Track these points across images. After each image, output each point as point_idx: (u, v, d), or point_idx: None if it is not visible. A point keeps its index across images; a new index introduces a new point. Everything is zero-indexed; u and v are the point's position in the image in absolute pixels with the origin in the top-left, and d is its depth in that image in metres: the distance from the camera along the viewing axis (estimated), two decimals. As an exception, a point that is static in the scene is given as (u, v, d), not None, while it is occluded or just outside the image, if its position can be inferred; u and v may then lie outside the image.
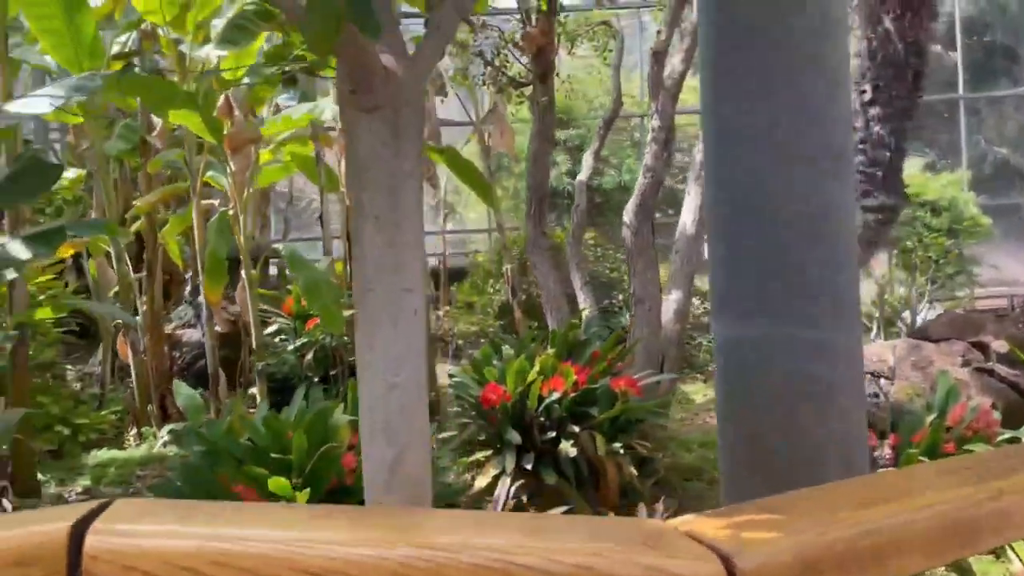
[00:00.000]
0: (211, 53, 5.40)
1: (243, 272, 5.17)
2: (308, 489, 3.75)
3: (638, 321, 5.95)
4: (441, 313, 9.19)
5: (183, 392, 4.95)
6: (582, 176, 6.85)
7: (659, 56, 5.88)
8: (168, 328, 8.45)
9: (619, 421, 4.83)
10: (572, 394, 4.77)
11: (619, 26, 7.07)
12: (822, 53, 2.22)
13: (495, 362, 5.00)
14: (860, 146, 5.09)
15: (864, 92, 4.85)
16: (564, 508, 4.45)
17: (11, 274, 3.43)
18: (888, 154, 4.91)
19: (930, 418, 4.02)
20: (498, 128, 7.83)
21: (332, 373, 5.98)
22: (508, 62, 6.27)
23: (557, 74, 5.98)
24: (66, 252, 6.44)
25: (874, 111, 4.85)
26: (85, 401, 6.70)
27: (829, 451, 2.09)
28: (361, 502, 3.97)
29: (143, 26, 6.26)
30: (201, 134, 4.87)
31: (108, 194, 6.01)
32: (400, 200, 1.83)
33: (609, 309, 8.63)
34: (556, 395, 4.70)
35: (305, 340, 5.91)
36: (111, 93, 4.50)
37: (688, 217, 6.49)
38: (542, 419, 4.73)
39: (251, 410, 5.30)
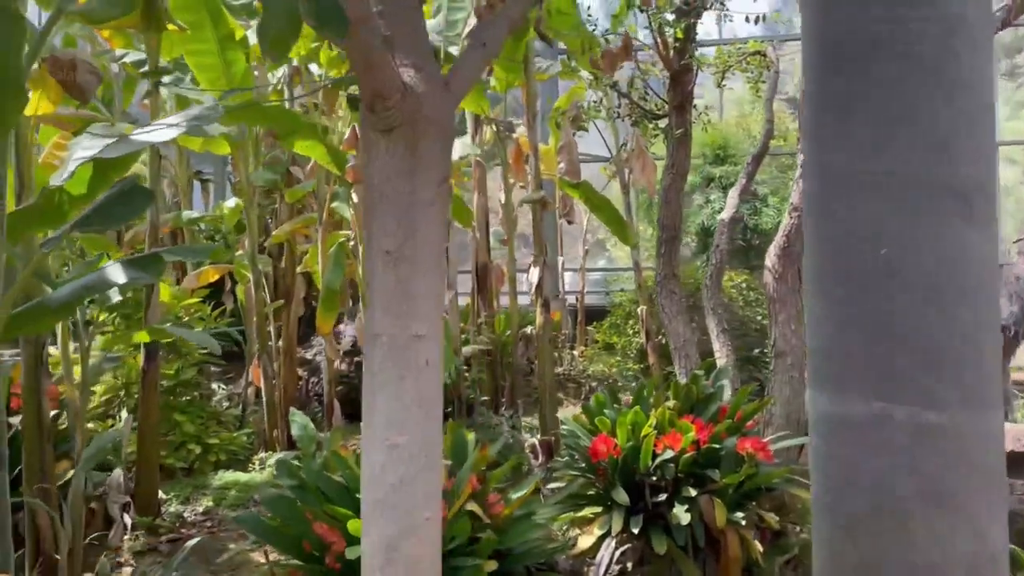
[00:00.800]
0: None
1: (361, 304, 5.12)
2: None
3: (777, 376, 5.38)
4: (576, 353, 8.88)
5: (297, 420, 4.93)
6: (724, 215, 6.37)
7: (813, 86, 5.35)
8: (310, 355, 8.67)
9: (744, 488, 4.32)
10: (690, 453, 4.32)
11: (774, 56, 6.57)
12: (959, 71, 1.79)
13: (607, 411, 4.63)
14: None
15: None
16: None
17: (115, 295, 3.49)
18: None
19: None
20: (639, 162, 7.50)
21: (448, 410, 5.81)
22: (646, 94, 5.95)
23: (695, 106, 5.58)
24: (211, 277, 6.71)
25: None
26: (225, 422, 6.92)
27: (953, 579, 1.63)
28: (447, 555, 3.73)
29: (293, 62, 6.47)
30: (325, 165, 4.89)
31: (251, 223, 6.20)
32: (416, 232, 1.58)
33: (754, 360, 7.99)
34: (671, 453, 4.27)
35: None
36: (232, 122, 4.58)
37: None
38: (654, 478, 4.31)
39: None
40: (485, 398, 6.26)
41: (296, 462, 4.08)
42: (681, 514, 4.10)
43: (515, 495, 4.30)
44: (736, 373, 5.85)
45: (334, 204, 5.38)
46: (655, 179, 7.60)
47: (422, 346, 1.57)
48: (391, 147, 1.58)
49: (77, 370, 4.46)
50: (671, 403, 4.62)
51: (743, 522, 4.17)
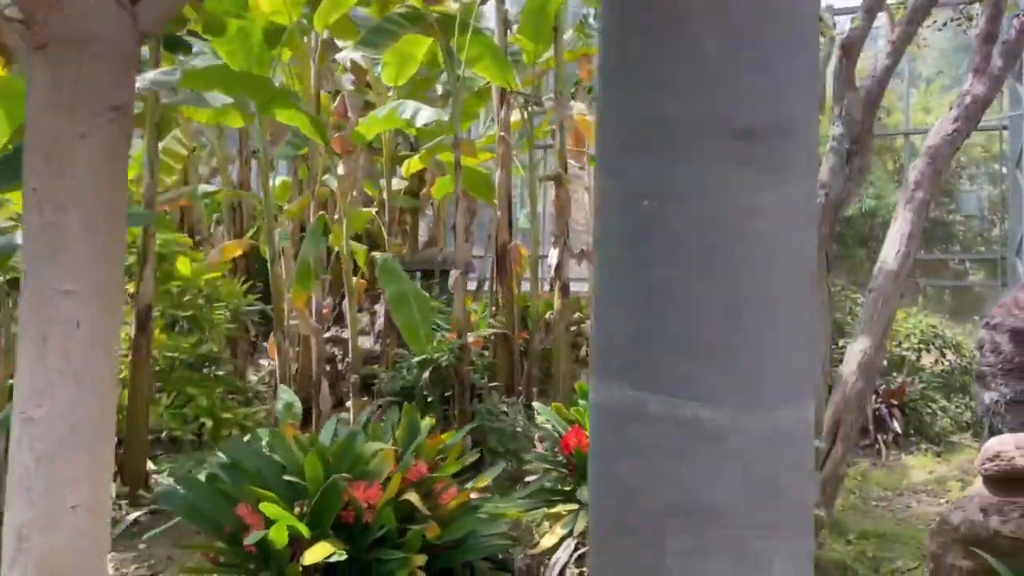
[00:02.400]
0: (349, 56, 5.29)
1: (344, 281, 4.95)
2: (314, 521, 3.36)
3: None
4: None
5: (283, 397, 4.81)
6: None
7: (849, 50, 4.80)
8: (346, 334, 8.62)
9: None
10: (670, 452, 3.92)
11: (831, 21, 5.97)
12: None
13: (582, 401, 4.28)
14: None
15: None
16: None
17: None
18: None
19: None
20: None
21: (447, 394, 5.58)
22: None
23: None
24: (234, 252, 6.71)
25: None
26: (251, 397, 6.94)
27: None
28: (372, 545, 3.50)
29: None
30: (309, 135, 4.73)
31: (267, 196, 6.14)
32: (65, 170, 1.34)
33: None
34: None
35: (424, 357, 5.57)
36: (191, 86, 4.47)
37: (891, 249, 5.25)
38: (624, 477, 3.93)
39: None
40: (495, 384, 5.98)
41: (242, 442, 3.94)
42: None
43: (473, 487, 4.03)
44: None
45: (324, 177, 5.23)
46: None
47: (72, 305, 1.33)
48: (43, 67, 1.34)
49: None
50: (656, 396, 4.21)
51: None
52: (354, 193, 4.95)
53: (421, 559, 3.38)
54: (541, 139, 7.99)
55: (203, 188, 6.36)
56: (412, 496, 3.52)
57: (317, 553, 3.21)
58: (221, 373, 6.97)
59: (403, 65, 6.33)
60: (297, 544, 3.32)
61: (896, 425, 7.38)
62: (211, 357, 6.66)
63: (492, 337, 6.20)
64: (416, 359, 5.60)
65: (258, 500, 3.39)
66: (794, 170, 1.37)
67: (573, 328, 8.96)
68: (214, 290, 6.68)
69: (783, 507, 1.32)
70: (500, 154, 6.45)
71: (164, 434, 6.17)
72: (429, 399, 5.57)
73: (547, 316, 6.38)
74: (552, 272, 6.14)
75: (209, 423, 6.15)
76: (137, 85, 3.95)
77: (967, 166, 12.37)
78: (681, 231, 1.34)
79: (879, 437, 7.24)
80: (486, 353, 6.25)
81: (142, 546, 4.45)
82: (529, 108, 6.47)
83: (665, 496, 1.32)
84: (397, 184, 7.78)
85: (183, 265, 6.36)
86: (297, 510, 3.43)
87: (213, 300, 6.69)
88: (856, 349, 5.02)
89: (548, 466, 4.24)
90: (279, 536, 3.16)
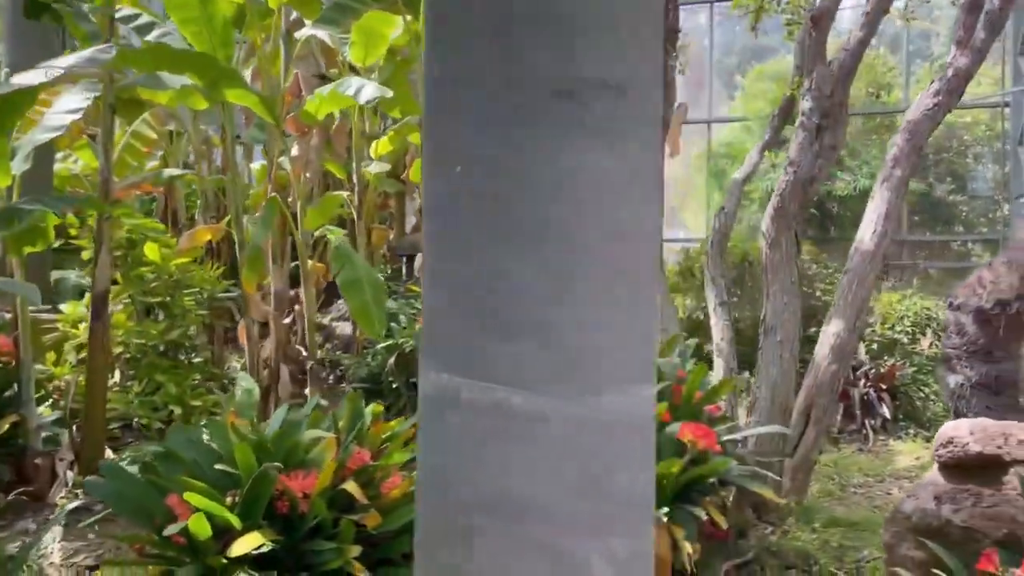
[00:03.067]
0: (310, 33, 5.16)
1: (301, 265, 4.84)
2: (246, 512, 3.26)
3: (764, 355, 4.72)
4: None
5: (242, 384, 4.72)
6: (739, 174, 5.68)
7: (820, 21, 4.62)
8: (326, 320, 8.53)
9: (681, 480, 3.76)
10: (622, 438, 3.79)
11: (811, -5, 5.76)
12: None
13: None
14: None
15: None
16: None
17: None
18: None
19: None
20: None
21: (413, 380, 5.47)
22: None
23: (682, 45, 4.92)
24: (204, 238, 6.62)
25: None
26: (230, 383, 6.86)
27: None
28: (307, 536, 3.40)
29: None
30: (261, 114, 4.61)
31: (234, 180, 6.03)
32: None
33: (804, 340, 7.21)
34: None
35: (390, 343, 5.47)
36: (125, 66, 4.33)
37: (867, 229, 5.09)
38: (574, 465, 3.81)
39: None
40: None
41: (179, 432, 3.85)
42: (592, 506, 3.60)
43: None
44: (733, 351, 5.20)
45: (280, 159, 5.11)
46: (678, 138, 6.93)
47: None
48: None
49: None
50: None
51: (664, 518, 3.61)
52: (307, 175, 4.83)
53: (355, 550, 3.27)
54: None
55: (168, 172, 6.26)
56: (350, 485, 3.41)
57: (245, 544, 3.11)
58: (199, 360, 6.90)
59: (371, 44, 6.20)
60: (228, 535, 3.23)
61: (885, 410, 7.22)
62: (185, 344, 6.58)
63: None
64: (382, 345, 5.49)
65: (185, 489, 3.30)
66: (628, 133, 1.24)
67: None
68: (186, 276, 6.59)
69: (606, 502, 1.20)
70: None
71: (134, 422, 6.10)
72: (395, 385, 5.47)
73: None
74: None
75: (178, 411, 6.07)
76: (65, 64, 3.84)
77: (972, 145, 12.09)
78: (498, 199, 1.22)
79: (867, 422, 7.09)
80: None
81: (92, 536, 4.38)
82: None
83: (476, 489, 1.20)
84: (378, 167, 7.66)
85: (151, 251, 6.28)
86: (229, 500, 3.34)
87: (184, 286, 6.61)
88: (830, 332, 4.87)
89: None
90: (199, 527, 3.06)
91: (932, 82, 5.30)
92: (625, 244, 1.23)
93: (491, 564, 1.17)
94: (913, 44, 11.69)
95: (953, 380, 3.93)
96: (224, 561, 3.15)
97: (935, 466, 3.20)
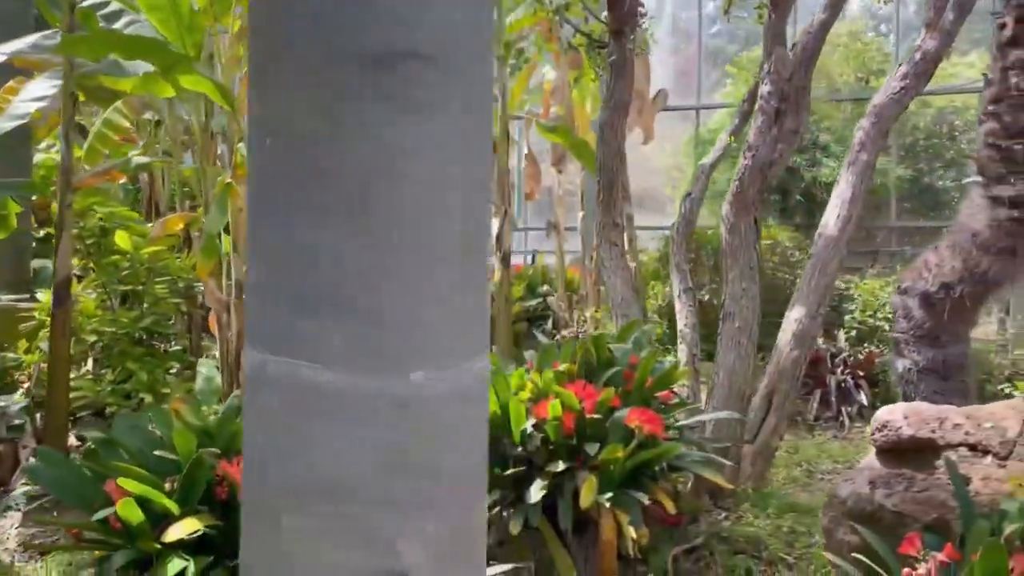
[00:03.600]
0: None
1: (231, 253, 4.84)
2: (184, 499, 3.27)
3: (723, 342, 4.69)
4: (588, 314, 8.31)
5: (203, 372, 4.73)
6: (707, 159, 5.64)
7: (779, 3, 4.57)
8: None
9: (628, 465, 3.74)
10: (568, 423, 3.78)
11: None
12: None
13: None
14: (991, 108, 3.40)
15: (1004, 26, 3.19)
16: (504, 569, 3.51)
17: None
18: None
19: (1013, 527, 2.49)
20: (635, 104, 6.81)
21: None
22: (587, 19, 5.27)
23: (647, 28, 4.88)
24: (177, 225, 6.62)
25: (1017, 54, 3.16)
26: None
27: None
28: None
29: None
30: (216, 100, 4.59)
31: (204, 172, 6.03)
32: None
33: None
34: (540, 422, 3.75)
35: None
36: (71, 52, 4.31)
37: (832, 214, 5.05)
38: (519, 451, 3.80)
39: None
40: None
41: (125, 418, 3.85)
42: (535, 492, 3.59)
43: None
44: (696, 337, 5.18)
45: (239, 144, 5.10)
46: (652, 124, 6.89)
47: None
48: None
49: None
50: (563, 366, 4.07)
51: (608, 503, 3.60)
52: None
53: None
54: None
55: (136, 160, 6.26)
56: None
57: (180, 529, 3.11)
58: (176, 348, 6.91)
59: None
60: (167, 521, 3.23)
61: (863, 397, 7.19)
62: (159, 332, 6.59)
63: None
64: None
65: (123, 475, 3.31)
66: (444, 105, 1.22)
67: (540, 302, 8.82)
68: (160, 264, 6.60)
69: (416, 482, 1.18)
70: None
71: (107, 411, 6.12)
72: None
73: (492, 287, 6.22)
74: (493, 242, 5.98)
75: (149, 398, 6.08)
76: (9, 50, 3.83)
77: (964, 130, 11.98)
78: (317, 173, 1.20)
79: (843, 409, 7.06)
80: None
81: (51, 521, 4.40)
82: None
83: (284, 469, 1.19)
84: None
85: (121, 239, 6.28)
86: (168, 486, 3.34)
87: (158, 274, 6.61)
88: (792, 318, 4.85)
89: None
90: (128, 512, 3.07)
91: (900, 65, 5.25)
92: (449, 218, 1.21)
93: (299, 546, 1.16)
94: (905, 29, 11.58)
95: (901, 365, 3.90)
96: (157, 546, 3.16)
97: (873, 451, 3.18)
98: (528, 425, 3.77)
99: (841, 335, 7.67)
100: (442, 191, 1.19)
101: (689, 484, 4.51)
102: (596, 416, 3.82)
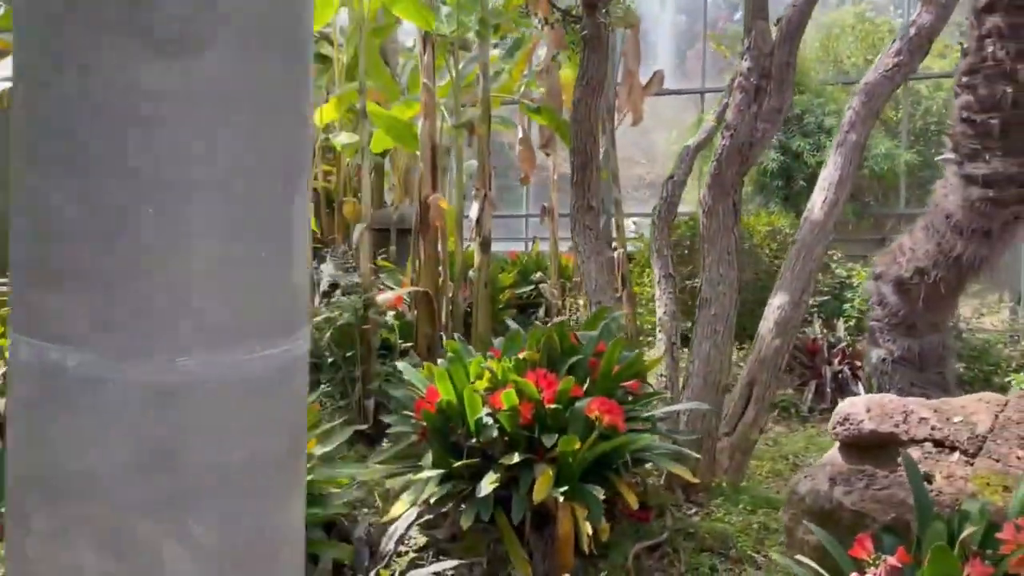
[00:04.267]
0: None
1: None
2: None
3: (698, 330, 4.50)
4: (581, 302, 8.13)
5: None
6: (693, 140, 5.44)
7: (761, -26, 4.35)
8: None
9: (587, 458, 3.57)
10: (526, 414, 3.62)
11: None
12: None
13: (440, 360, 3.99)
14: (966, 79, 3.17)
15: (979, -10, 2.95)
16: (447, 565, 3.37)
17: None
18: (1011, 91, 2.97)
19: (971, 529, 2.29)
20: (625, 86, 6.61)
21: (348, 355, 5.32)
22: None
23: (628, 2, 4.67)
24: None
25: (993, 21, 2.93)
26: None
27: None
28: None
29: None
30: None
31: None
32: None
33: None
34: (496, 412, 3.59)
35: (326, 315, 5.33)
36: None
37: (818, 197, 4.85)
38: (473, 441, 3.64)
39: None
40: (410, 345, 5.72)
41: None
42: (485, 485, 3.43)
43: (319, 450, 3.79)
44: (675, 326, 4.99)
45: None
46: (641, 105, 6.68)
47: None
48: None
49: None
50: (524, 354, 3.90)
51: (563, 497, 3.44)
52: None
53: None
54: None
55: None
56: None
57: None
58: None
59: (320, 7, 6.03)
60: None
61: (860, 388, 6.95)
62: None
63: (415, 296, 5.92)
64: (318, 318, 5.36)
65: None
66: (210, 44, 1.05)
67: (532, 289, 8.65)
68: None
69: (184, 482, 1.03)
70: (423, 102, 6.11)
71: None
72: (331, 360, 5.33)
73: (470, 274, 6.06)
74: (473, 227, 5.82)
75: None
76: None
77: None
78: (66, 132, 1.04)
79: (839, 400, 6.82)
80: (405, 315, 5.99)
81: None
82: (455, 52, 6.11)
83: (33, 463, 1.04)
84: (347, 138, 7.50)
85: None
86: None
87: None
88: (774, 305, 4.66)
89: (408, 430, 3.97)
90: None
91: (893, 41, 5.01)
92: (220, 180, 1.04)
93: (44, 547, 1.00)
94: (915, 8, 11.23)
95: (875, 355, 3.69)
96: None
97: (836, 445, 2.99)
98: (484, 415, 3.61)
99: (840, 325, 7.43)
100: (211, 146, 1.03)
101: (663, 478, 4.34)
102: (556, 406, 3.65)
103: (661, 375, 4.91)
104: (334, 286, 6.74)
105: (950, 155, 3.43)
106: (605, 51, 4.64)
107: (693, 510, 4.12)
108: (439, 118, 6.23)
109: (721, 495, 4.28)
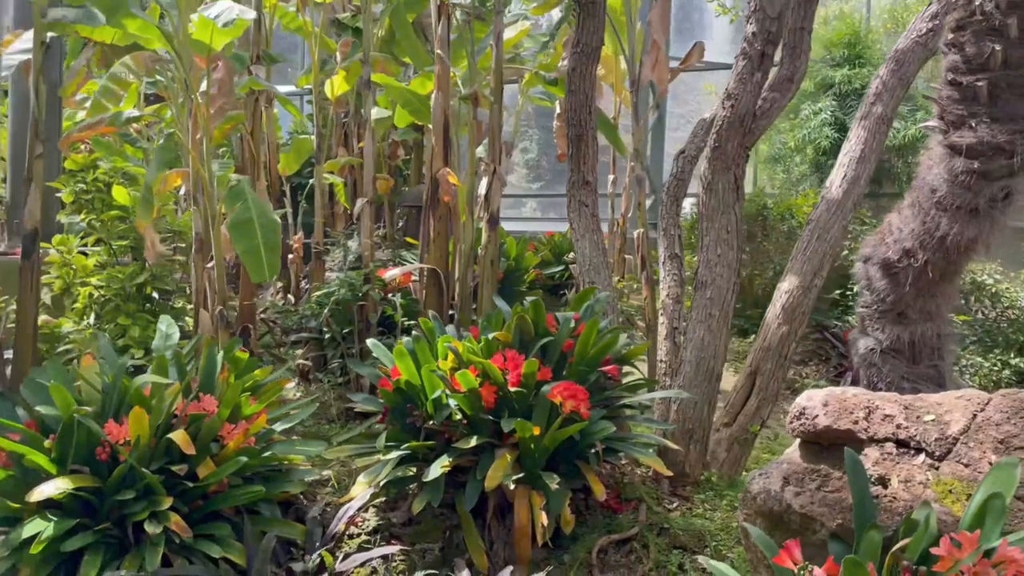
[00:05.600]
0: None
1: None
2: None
3: (693, 314, 4.23)
4: (620, 284, 7.88)
5: (162, 328, 4.62)
6: (708, 115, 5.12)
7: (768, -70, 4.02)
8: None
9: (545, 444, 3.38)
10: (490, 397, 3.45)
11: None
12: None
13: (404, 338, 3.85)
14: (951, 36, 2.74)
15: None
16: (390, 550, 3.23)
17: None
18: (1001, 48, 2.55)
19: (905, 542, 1.99)
20: (650, 56, 6.30)
21: (346, 331, 5.23)
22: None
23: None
24: (175, 181, 6.56)
25: None
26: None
27: None
28: (113, 488, 3.22)
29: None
30: (164, 47, 4.41)
31: (194, 124, 5.90)
32: None
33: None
34: (454, 394, 3.44)
35: (324, 292, 5.25)
36: None
37: (837, 174, 4.50)
38: (432, 423, 3.49)
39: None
40: (412, 323, 5.60)
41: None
42: (435, 469, 3.28)
43: (280, 427, 3.71)
44: (679, 309, 4.71)
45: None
46: (666, 76, 6.36)
47: None
48: None
49: None
50: (493, 334, 3.72)
51: (515, 484, 3.26)
52: (212, 111, 4.59)
53: (167, 501, 3.10)
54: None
55: (127, 115, 6.19)
56: (178, 435, 3.22)
57: (48, 489, 2.97)
58: (180, 305, 6.89)
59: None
60: (43, 480, 3.10)
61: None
62: (159, 288, 6.57)
63: (424, 272, 5.80)
64: (316, 294, 5.29)
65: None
66: None
67: (563, 269, 8.42)
68: (160, 220, 6.55)
69: None
70: (436, 74, 5.95)
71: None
72: (329, 336, 5.26)
73: (479, 250, 5.89)
74: (480, 203, 5.65)
75: (139, 353, 6.07)
76: None
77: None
78: None
79: (876, 393, 6.41)
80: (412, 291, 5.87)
81: None
82: (470, 22, 5.92)
83: None
84: (378, 113, 7.41)
85: (118, 194, 6.26)
86: (48, 444, 3.20)
87: (158, 230, 6.57)
88: (782, 289, 4.35)
89: (372, 409, 3.84)
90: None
91: (929, 4, 4.58)
92: None
93: None
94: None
95: (863, 344, 3.35)
96: (15, 506, 3.04)
97: (796, 441, 2.72)
98: (440, 396, 3.46)
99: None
100: None
101: (651, 471, 4.11)
102: (520, 390, 3.47)
103: (661, 361, 4.66)
104: (359, 260, 6.69)
105: (934, 123, 3.06)
106: (601, 16, 4.37)
107: (675, 504, 3.88)
108: (455, 92, 6.06)
109: (711, 490, 4.03)
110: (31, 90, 5.01)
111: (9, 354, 5.18)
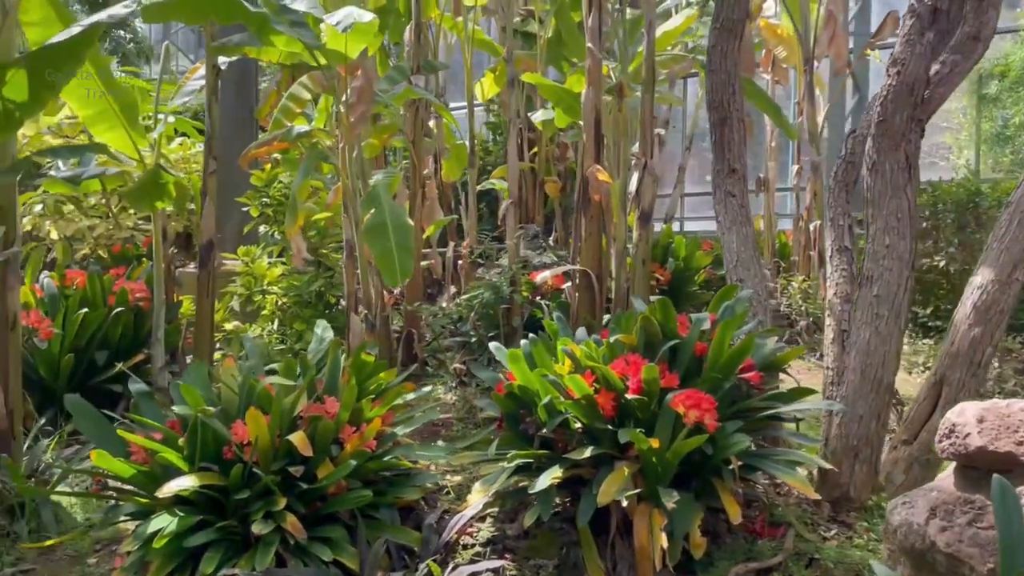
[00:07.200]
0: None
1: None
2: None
3: (858, 314, 3.71)
4: (795, 284, 7.24)
5: (318, 332, 4.80)
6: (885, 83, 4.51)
7: None
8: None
9: (667, 457, 3.06)
10: (608, 406, 3.19)
11: None
12: None
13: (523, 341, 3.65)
14: None
15: None
16: (493, 565, 3.03)
17: None
18: None
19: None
20: (827, 30, 5.71)
21: (491, 335, 5.14)
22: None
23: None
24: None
25: None
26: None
27: None
28: (236, 487, 3.27)
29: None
30: (307, 59, 4.55)
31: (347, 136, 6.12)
32: None
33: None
34: (567, 400, 3.21)
35: (472, 295, 5.19)
36: (165, 15, 4.33)
37: (1045, 146, 3.77)
38: (545, 431, 3.28)
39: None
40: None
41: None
42: (542, 481, 3.06)
43: (401, 431, 3.65)
44: (847, 309, 4.17)
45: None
46: (845, 51, 5.73)
47: None
48: None
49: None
50: (615, 337, 3.45)
51: (635, 500, 2.96)
52: (351, 119, 4.64)
53: (282, 501, 3.13)
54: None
55: (297, 130, 6.51)
56: (296, 436, 3.25)
57: (175, 486, 3.10)
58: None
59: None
60: (181, 475, 3.23)
61: None
62: (333, 293, 6.87)
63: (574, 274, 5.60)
64: (464, 296, 5.25)
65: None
66: None
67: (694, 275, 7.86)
68: (335, 229, 6.85)
69: None
70: (588, 68, 5.73)
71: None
72: (473, 339, 5.21)
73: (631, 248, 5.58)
74: (631, 200, 5.36)
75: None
76: (90, 21, 4.02)
77: None
78: None
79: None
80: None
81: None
82: (621, 12, 5.66)
83: None
84: (543, 115, 7.35)
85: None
86: (181, 442, 3.35)
87: (331, 239, 6.88)
88: (974, 284, 3.73)
89: (494, 414, 3.69)
90: (118, 468, 3.14)
91: None
92: None
93: None
94: None
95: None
96: (145, 500, 3.19)
97: (951, 465, 2.24)
98: (554, 402, 3.24)
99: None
100: None
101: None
102: (641, 397, 3.18)
103: (828, 368, 4.14)
104: (525, 264, 6.62)
105: None
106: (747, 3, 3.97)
107: (832, 531, 3.40)
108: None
109: (880, 516, 3.49)
110: (206, 112, 5.37)
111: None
